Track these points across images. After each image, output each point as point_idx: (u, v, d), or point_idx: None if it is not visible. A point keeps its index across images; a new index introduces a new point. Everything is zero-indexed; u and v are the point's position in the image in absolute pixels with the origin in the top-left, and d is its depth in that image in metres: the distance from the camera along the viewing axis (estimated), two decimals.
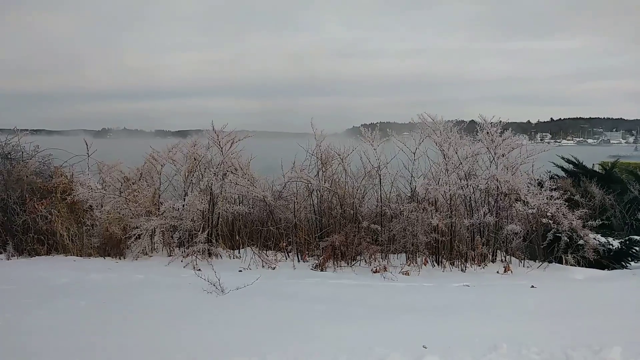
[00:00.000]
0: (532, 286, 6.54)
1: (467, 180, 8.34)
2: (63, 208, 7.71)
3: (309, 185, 8.59)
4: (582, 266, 8.02)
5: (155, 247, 8.07)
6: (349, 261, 7.84)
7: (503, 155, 8.46)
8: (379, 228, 8.22)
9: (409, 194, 8.51)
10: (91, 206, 7.95)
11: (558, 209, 7.98)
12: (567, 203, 8.15)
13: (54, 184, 7.89)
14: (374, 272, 7.34)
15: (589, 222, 8.09)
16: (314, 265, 7.68)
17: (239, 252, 8.24)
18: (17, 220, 7.52)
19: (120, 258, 7.71)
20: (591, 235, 8.10)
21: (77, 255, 7.62)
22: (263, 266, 7.61)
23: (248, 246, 8.39)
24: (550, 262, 8.15)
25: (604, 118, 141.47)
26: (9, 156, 8.14)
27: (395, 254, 8.20)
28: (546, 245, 8.18)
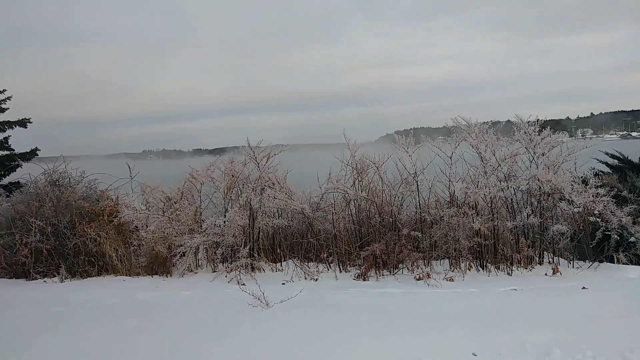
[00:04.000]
0: (584, 287, 6.33)
1: (507, 182, 8.19)
2: (111, 230, 7.97)
3: (346, 195, 8.61)
4: (635, 264, 7.73)
5: (200, 264, 8.23)
6: (391, 269, 7.80)
7: (543, 154, 8.27)
8: (420, 235, 8.15)
9: (448, 199, 8.41)
10: (137, 227, 8.19)
11: (605, 206, 7.73)
12: (614, 200, 7.88)
13: (101, 207, 8.17)
14: (417, 280, 7.27)
15: None
16: (356, 275, 7.66)
17: (281, 265, 8.31)
18: (68, 244, 7.82)
19: (167, 276, 7.89)
20: None
21: (126, 275, 7.84)
22: (305, 278, 7.65)
23: (289, 259, 8.46)
24: (601, 261, 7.88)
25: None
26: (57, 183, 8.48)
27: (437, 260, 8.10)
28: (595, 245, 7.92)
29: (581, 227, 8.06)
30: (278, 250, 8.62)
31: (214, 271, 8.00)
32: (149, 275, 7.89)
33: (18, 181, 12.56)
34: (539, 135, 8.41)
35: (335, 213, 8.54)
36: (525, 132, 8.45)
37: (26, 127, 16.14)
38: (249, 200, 8.26)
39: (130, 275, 7.83)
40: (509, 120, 9.33)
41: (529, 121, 8.53)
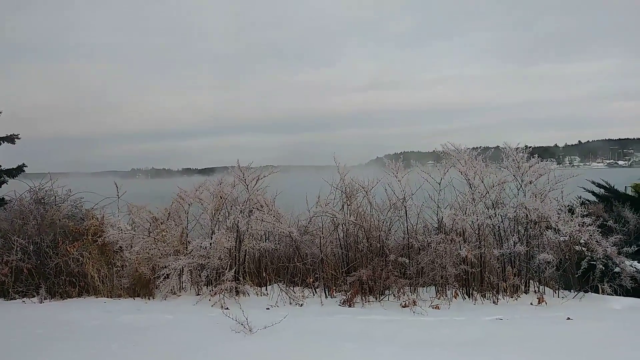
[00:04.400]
0: (568, 318, 6.32)
1: (494, 210, 8.23)
2: (94, 250, 7.86)
3: (335, 219, 8.58)
4: (620, 295, 7.74)
5: (184, 286, 8.12)
6: (377, 296, 7.74)
7: (530, 182, 8.33)
8: (407, 261, 8.12)
9: (436, 225, 8.41)
10: (121, 247, 8.08)
11: (591, 235, 7.77)
12: (600, 229, 7.94)
13: (85, 227, 8.07)
14: (403, 307, 7.22)
15: (625, 249, 7.86)
16: (342, 300, 7.59)
17: (266, 289, 8.22)
18: (49, 263, 7.69)
19: (149, 298, 7.77)
20: (627, 262, 7.85)
21: (108, 297, 7.70)
22: (290, 303, 7.57)
23: (275, 282, 8.38)
24: (586, 291, 7.89)
25: (634, 139, 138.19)
26: (43, 201, 8.38)
27: (424, 287, 8.07)
28: (581, 274, 7.94)
29: (567, 256, 8.08)
30: (264, 274, 8.54)
31: (198, 294, 7.88)
32: (131, 297, 7.76)
33: (2, 197, 12.39)
34: (527, 162, 8.48)
35: (323, 237, 8.50)
36: (513, 160, 8.53)
37: (14, 143, 15.98)
38: (236, 222, 8.21)
39: (111, 297, 7.70)
40: (498, 146, 9.42)
41: (517, 148, 8.61)
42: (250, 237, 8.39)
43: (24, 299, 7.52)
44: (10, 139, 16.25)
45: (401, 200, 8.48)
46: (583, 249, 7.79)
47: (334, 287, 8.14)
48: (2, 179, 15.91)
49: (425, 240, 8.07)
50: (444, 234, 8.00)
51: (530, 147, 8.94)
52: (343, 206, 8.73)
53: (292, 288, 8.19)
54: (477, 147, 8.97)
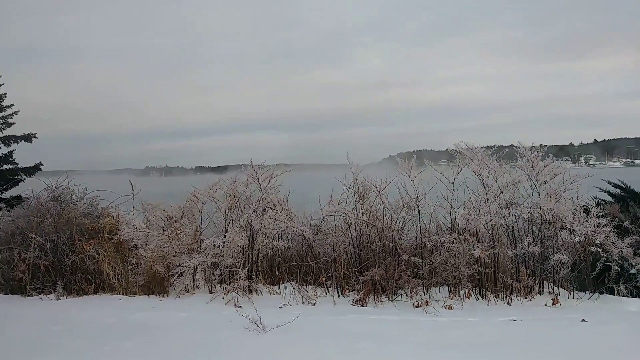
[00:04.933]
0: (583, 320, 6.26)
1: (508, 210, 8.16)
2: (110, 248, 7.95)
3: (347, 218, 8.59)
4: (635, 296, 7.65)
5: (198, 284, 8.19)
6: (390, 295, 7.73)
7: (545, 183, 8.26)
8: (420, 261, 8.11)
9: (449, 225, 8.38)
10: (136, 245, 8.17)
11: (607, 236, 7.68)
12: (616, 230, 7.84)
13: (101, 225, 8.17)
14: (416, 307, 7.20)
15: None
16: (354, 300, 7.60)
17: (278, 288, 8.26)
18: (66, 260, 7.80)
19: (163, 296, 7.85)
20: None
21: (123, 294, 7.80)
22: (303, 302, 7.59)
23: (288, 281, 8.41)
24: (601, 293, 7.81)
25: None
26: (59, 199, 8.50)
27: (437, 287, 8.04)
28: (596, 275, 7.86)
29: (582, 257, 8.00)
30: (277, 273, 8.57)
31: (212, 292, 7.94)
32: (146, 294, 7.84)
33: (20, 195, 12.59)
34: (541, 162, 8.41)
35: (336, 236, 8.52)
36: (527, 159, 8.45)
37: (31, 142, 16.27)
38: (249, 221, 8.26)
39: (126, 294, 7.78)
40: (512, 144, 9.34)
41: (531, 147, 8.53)
42: (263, 235, 8.43)
43: (41, 296, 7.65)
44: (28, 137, 16.55)
45: (414, 200, 8.47)
46: (598, 249, 7.70)
47: (347, 287, 8.15)
48: (19, 177, 16.19)
49: (438, 240, 8.04)
50: (457, 233, 7.96)
51: (545, 145, 8.86)
52: (356, 205, 8.73)
53: (304, 287, 8.22)
54: (491, 146, 8.93)
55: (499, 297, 7.78)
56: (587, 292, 7.94)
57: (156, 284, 7.89)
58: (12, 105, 16.57)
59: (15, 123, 16.43)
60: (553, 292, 7.94)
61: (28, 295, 7.68)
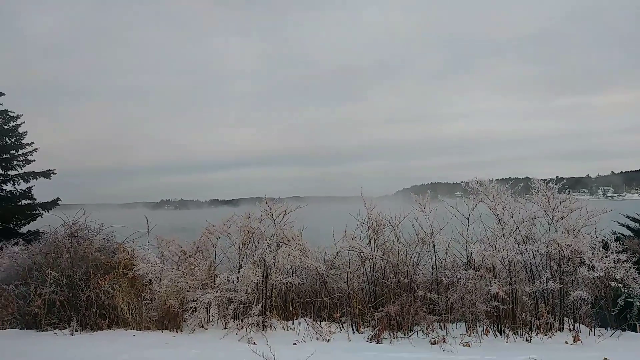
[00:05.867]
0: (605, 358, 6.07)
1: (525, 245, 8.05)
2: (124, 283, 7.97)
3: (361, 254, 8.54)
4: None
5: (211, 320, 8.14)
6: (406, 332, 7.60)
7: (562, 218, 8.16)
8: (436, 296, 7.98)
9: (465, 261, 8.28)
10: (150, 280, 8.19)
11: (627, 272, 7.53)
12: (636, 266, 7.68)
13: (116, 260, 8.22)
14: (433, 344, 7.06)
15: None
16: (370, 336, 7.47)
17: (292, 324, 8.16)
18: (81, 295, 7.82)
19: (177, 331, 7.80)
20: None
21: (136, 329, 7.77)
22: (317, 338, 7.48)
23: (302, 317, 8.32)
24: (623, 329, 7.60)
25: None
26: (76, 234, 8.59)
27: (454, 322, 7.89)
28: (617, 312, 7.66)
29: (603, 293, 7.82)
30: (290, 308, 8.49)
31: (225, 327, 7.88)
32: (159, 329, 7.80)
33: (37, 230, 12.77)
34: (557, 197, 8.32)
35: (350, 272, 8.45)
36: (543, 195, 8.38)
37: (50, 178, 16.63)
38: (263, 256, 8.24)
39: (140, 329, 7.75)
40: (527, 177, 9.29)
41: (547, 182, 8.46)
42: (277, 271, 8.39)
43: (55, 331, 7.64)
44: (47, 174, 16.91)
45: (429, 235, 8.41)
46: (619, 285, 7.54)
47: (362, 322, 8.04)
48: (37, 212, 16.45)
49: (455, 275, 7.94)
50: (474, 269, 7.86)
51: (563, 179, 8.82)
52: (370, 241, 8.69)
53: (319, 322, 8.11)
54: (506, 178, 8.90)
55: (517, 334, 7.60)
56: (608, 328, 7.73)
57: (170, 319, 7.86)
58: (32, 143, 17.03)
59: (34, 160, 16.84)
60: (574, 329, 7.74)
61: (43, 330, 7.68)
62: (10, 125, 17.11)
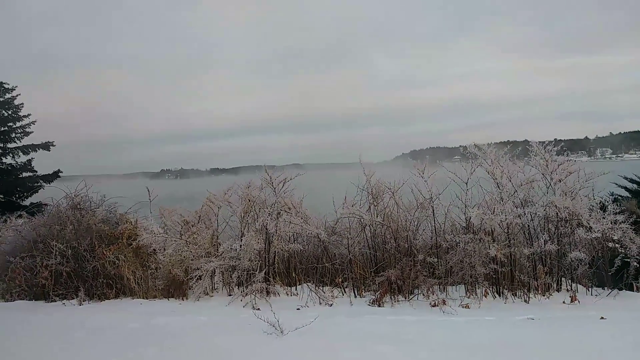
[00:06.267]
0: (602, 317, 6.24)
1: (523, 208, 8.15)
2: (129, 253, 8.09)
3: (362, 220, 8.64)
4: None
5: (216, 287, 8.29)
6: (406, 295, 7.77)
7: (560, 181, 8.23)
8: (435, 260, 8.13)
9: (464, 225, 8.39)
10: (154, 250, 8.31)
11: (624, 233, 7.64)
12: (633, 226, 7.79)
13: (120, 231, 8.32)
14: (433, 306, 7.23)
15: None
16: (371, 300, 7.65)
17: (295, 289, 8.33)
18: (87, 266, 7.96)
19: (183, 299, 7.97)
20: None
21: (143, 298, 7.93)
22: (320, 303, 7.65)
23: (304, 283, 8.48)
24: (620, 289, 7.77)
25: None
26: (79, 206, 8.66)
27: (453, 285, 8.05)
28: (614, 272, 7.81)
29: (600, 254, 7.96)
30: (293, 274, 8.65)
31: (230, 294, 8.05)
32: (166, 298, 7.97)
33: (40, 202, 12.84)
34: (556, 158, 8.37)
35: (351, 238, 8.57)
36: (541, 158, 8.42)
37: (49, 150, 16.59)
38: (265, 224, 8.34)
39: (147, 298, 7.92)
40: (526, 139, 9.31)
41: (545, 144, 8.49)
42: (279, 238, 8.51)
43: (63, 301, 7.80)
44: (46, 146, 16.87)
45: (428, 200, 8.49)
46: (616, 245, 7.66)
47: (363, 287, 8.20)
48: (39, 184, 16.48)
49: (454, 239, 8.06)
50: (472, 233, 7.97)
51: (561, 140, 8.84)
52: (370, 207, 8.78)
53: (321, 288, 8.28)
54: (505, 142, 8.91)
55: (516, 295, 7.78)
56: (605, 288, 7.90)
57: (175, 288, 8.02)
58: (29, 115, 16.91)
59: (33, 132, 16.75)
60: (571, 289, 7.91)
61: (51, 301, 7.84)
62: (5, 97, 16.97)
